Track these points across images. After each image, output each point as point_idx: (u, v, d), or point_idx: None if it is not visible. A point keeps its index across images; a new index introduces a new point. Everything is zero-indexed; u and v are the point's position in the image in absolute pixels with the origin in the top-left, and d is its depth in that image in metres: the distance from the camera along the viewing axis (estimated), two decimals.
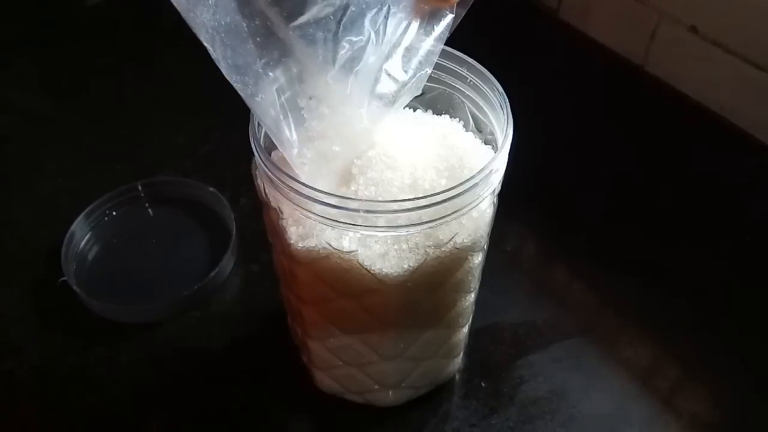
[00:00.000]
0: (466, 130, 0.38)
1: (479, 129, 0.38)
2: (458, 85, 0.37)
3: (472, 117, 0.38)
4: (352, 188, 0.33)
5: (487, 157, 0.35)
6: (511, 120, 0.33)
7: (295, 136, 0.31)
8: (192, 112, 0.68)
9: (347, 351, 0.40)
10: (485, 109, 0.36)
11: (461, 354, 0.45)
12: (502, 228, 0.38)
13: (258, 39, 0.29)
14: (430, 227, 0.31)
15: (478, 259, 0.37)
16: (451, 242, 0.33)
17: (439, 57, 0.36)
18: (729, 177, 0.61)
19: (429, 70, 0.34)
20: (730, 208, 0.58)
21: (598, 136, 0.65)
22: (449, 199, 0.30)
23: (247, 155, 0.33)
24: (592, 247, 0.55)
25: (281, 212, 0.33)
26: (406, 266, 0.32)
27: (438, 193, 0.30)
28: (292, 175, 0.31)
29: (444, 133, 0.37)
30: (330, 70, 0.31)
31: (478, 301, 0.42)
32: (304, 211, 0.31)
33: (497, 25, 0.78)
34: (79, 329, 0.49)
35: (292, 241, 0.33)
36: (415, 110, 0.39)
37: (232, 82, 0.29)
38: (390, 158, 0.33)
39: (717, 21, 0.62)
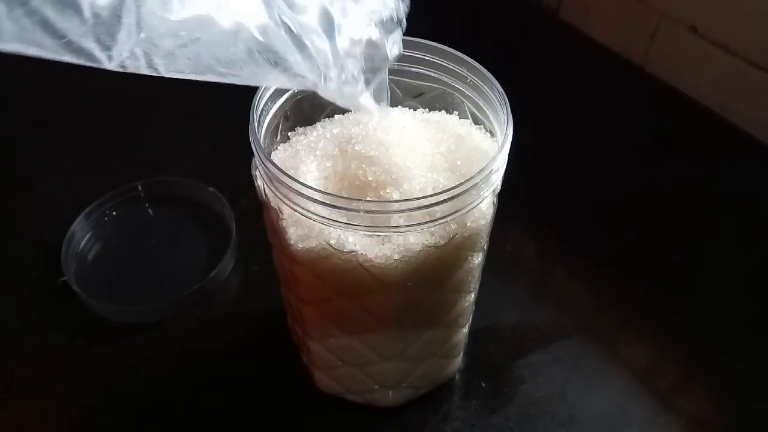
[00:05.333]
0: None
1: None
2: (458, 85, 0.37)
3: (471, 117, 0.38)
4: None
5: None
6: (511, 120, 0.33)
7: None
8: (192, 112, 0.68)
9: (347, 351, 0.40)
10: (485, 108, 0.36)
11: (461, 354, 0.45)
12: (502, 228, 0.38)
13: None
14: (430, 227, 0.31)
15: (478, 259, 0.37)
16: (451, 242, 0.33)
17: (439, 57, 0.36)
18: (729, 177, 0.61)
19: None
20: (730, 208, 0.58)
21: (598, 136, 0.65)
22: (449, 199, 0.30)
23: (247, 155, 0.33)
24: (592, 247, 0.55)
25: (281, 212, 0.33)
26: (406, 266, 0.32)
27: (438, 193, 0.30)
28: (291, 175, 0.31)
29: (453, 132, 0.37)
30: None
31: (478, 301, 0.42)
32: (304, 212, 0.31)
33: (497, 25, 0.79)
34: (79, 329, 0.49)
35: (292, 242, 0.33)
36: (415, 110, 0.39)
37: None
38: (396, 159, 0.34)
39: (717, 21, 0.62)
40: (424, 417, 0.45)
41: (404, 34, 0.36)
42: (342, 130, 0.37)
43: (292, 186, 0.30)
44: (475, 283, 0.39)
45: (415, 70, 0.37)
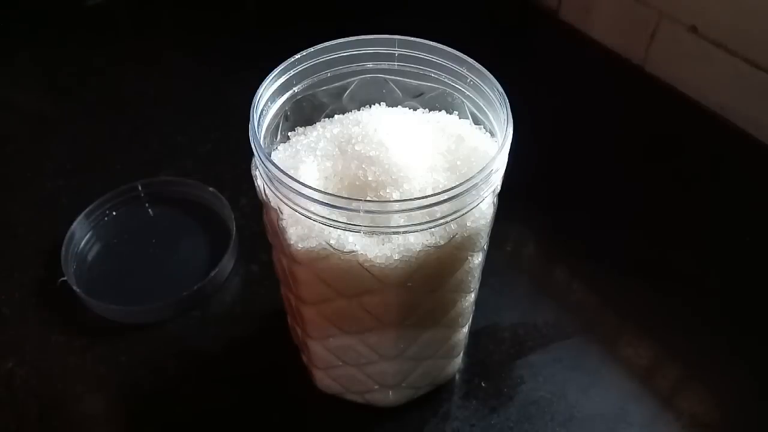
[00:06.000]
0: None
1: None
2: (458, 85, 0.37)
3: (471, 117, 0.38)
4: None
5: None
6: (511, 120, 0.33)
7: None
8: (192, 112, 0.68)
9: (347, 351, 0.40)
10: (485, 108, 0.36)
11: (461, 354, 0.45)
12: (502, 228, 0.38)
13: None
14: (430, 227, 0.31)
15: (478, 259, 0.37)
16: (451, 242, 0.33)
17: (439, 57, 0.36)
18: (728, 177, 0.61)
19: None
20: (729, 208, 0.58)
21: (598, 136, 0.65)
22: (449, 199, 0.30)
23: (247, 155, 0.33)
24: (593, 247, 0.55)
25: (281, 212, 0.33)
26: (406, 266, 0.32)
27: (438, 194, 0.30)
28: (291, 175, 0.31)
29: (453, 132, 0.37)
30: None
31: (478, 301, 0.42)
32: (304, 212, 0.31)
33: (497, 25, 0.79)
34: (79, 329, 0.49)
35: (292, 242, 0.33)
36: (415, 110, 0.39)
37: None
38: (396, 159, 0.34)
39: (717, 21, 0.62)
40: (424, 417, 0.45)
41: (404, 34, 0.36)
42: (342, 130, 0.37)
43: (292, 186, 0.30)
44: (475, 284, 0.39)
45: (415, 70, 0.37)
